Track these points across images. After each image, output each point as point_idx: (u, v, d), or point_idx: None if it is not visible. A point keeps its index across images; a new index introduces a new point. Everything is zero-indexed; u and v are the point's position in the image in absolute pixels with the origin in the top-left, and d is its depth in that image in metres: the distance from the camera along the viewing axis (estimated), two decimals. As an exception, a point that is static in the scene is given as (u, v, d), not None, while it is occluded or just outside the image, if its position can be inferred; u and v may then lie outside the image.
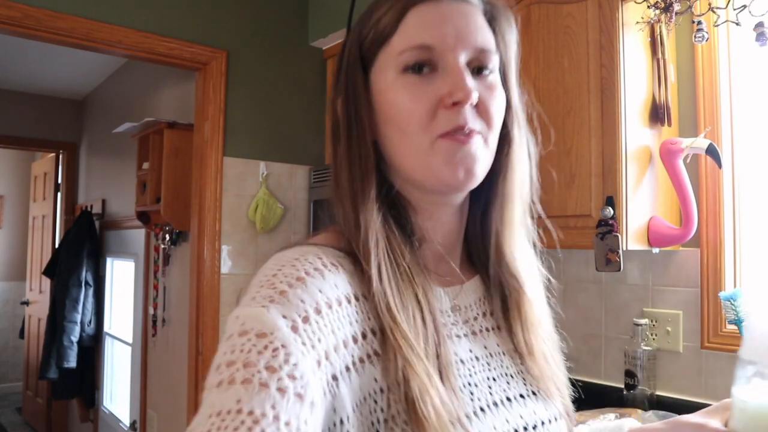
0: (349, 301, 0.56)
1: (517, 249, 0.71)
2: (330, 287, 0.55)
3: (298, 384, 0.48)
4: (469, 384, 0.61)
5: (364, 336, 0.55)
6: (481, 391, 0.62)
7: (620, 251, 1.56)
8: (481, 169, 0.62)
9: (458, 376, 0.60)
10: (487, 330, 0.69)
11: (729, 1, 1.47)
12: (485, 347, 0.67)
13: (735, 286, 1.70)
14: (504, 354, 0.68)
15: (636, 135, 1.63)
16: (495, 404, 0.62)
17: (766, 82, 1.68)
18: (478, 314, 0.69)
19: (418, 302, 0.59)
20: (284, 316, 0.50)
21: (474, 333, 0.67)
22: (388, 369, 0.54)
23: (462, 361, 0.63)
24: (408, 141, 0.62)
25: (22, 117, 4.81)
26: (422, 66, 0.61)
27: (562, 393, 0.70)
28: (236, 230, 2.67)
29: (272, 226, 2.73)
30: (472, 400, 0.60)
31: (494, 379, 0.64)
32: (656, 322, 1.80)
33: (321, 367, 0.50)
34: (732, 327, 1.62)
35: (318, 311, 0.52)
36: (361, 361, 0.54)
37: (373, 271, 0.57)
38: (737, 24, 1.46)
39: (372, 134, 0.64)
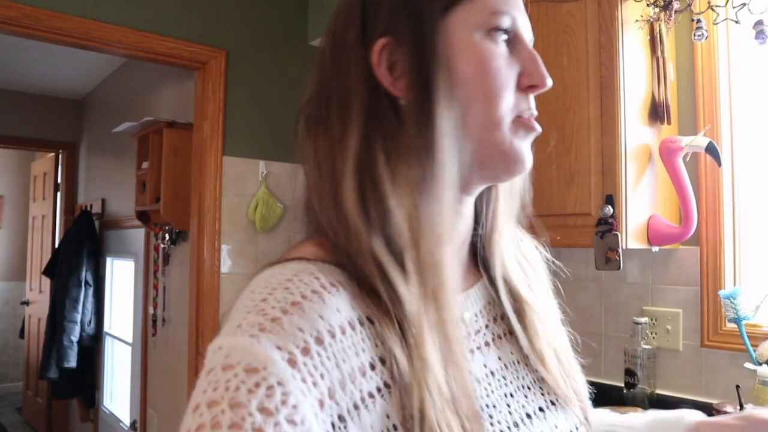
0: (353, 328, 0.48)
1: (520, 248, 0.69)
2: (332, 312, 0.47)
3: (299, 430, 0.40)
4: (487, 406, 0.56)
5: (372, 367, 0.48)
6: (500, 412, 0.57)
7: (620, 250, 1.56)
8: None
9: (476, 398, 0.54)
10: (499, 337, 0.63)
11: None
12: (499, 358, 0.61)
13: (735, 284, 1.70)
14: (519, 363, 0.63)
15: (635, 133, 1.63)
16: (515, 424, 0.57)
17: (765, 81, 1.68)
18: (488, 321, 0.63)
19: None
20: (279, 348, 0.43)
21: (487, 343, 0.61)
22: (403, 403, 0.47)
23: (478, 380, 0.57)
24: (491, 111, 0.54)
25: (21, 117, 4.81)
26: (504, 34, 0.56)
27: (579, 396, 0.65)
28: (236, 230, 2.67)
29: (272, 225, 2.73)
30: (492, 424, 0.55)
31: (512, 395, 0.59)
32: (656, 320, 1.80)
33: (325, 408, 0.43)
34: (732, 325, 1.62)
35: (320, 341, 0.45)
36: (371, 396, 0.46)
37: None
38: (737, 22, 1.46)
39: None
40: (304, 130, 0.59)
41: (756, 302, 1.65)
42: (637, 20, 1.61)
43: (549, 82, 0.56)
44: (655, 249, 1.70)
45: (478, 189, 0.60)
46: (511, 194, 0.65)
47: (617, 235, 1.56)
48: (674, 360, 1.76)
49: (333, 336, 0.46)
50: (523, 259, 0.69)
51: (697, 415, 0.73)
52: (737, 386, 1.53)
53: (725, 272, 1.70)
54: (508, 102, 0.55)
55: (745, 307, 1.59)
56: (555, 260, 0.75)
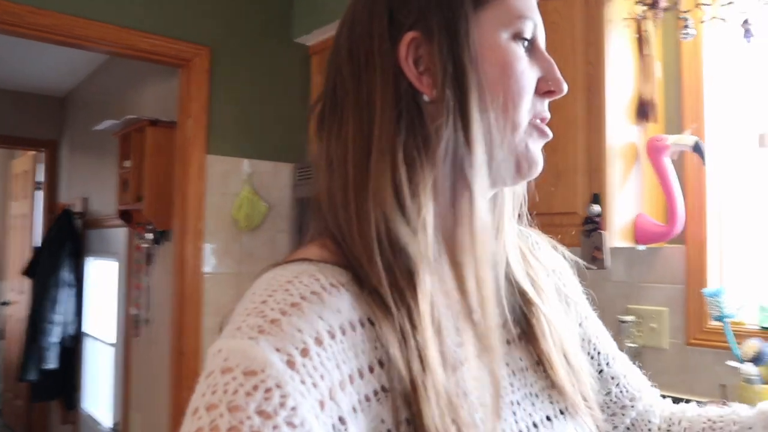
0: (354, 329, 0.47)
1: (532, 249, 0.68)
2: (332, 313, 0.46)
3: None
4: None
5: (371, 369, 0.47)
6: (505, 420, 0.56)
7: (605, 248, 1.56)
8: None
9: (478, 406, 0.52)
10: (508, 342, 0.61)
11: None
12: (507, 364, 0.60)
13: (719, 282, 1.71)
14: (527, 369, 0.61)
15: (622, 132, 1.63)
16: None
17: (752, 79, 1.68)
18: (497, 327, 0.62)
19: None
20: (278, 350, 0.43)
21: None
22: (398, 408, 0.46)
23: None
24: (512, 113, 0.55)
25: (1, 114, 4.73)
26: (525, 41, 0.57)
27: (589, 402, 0.64)
28: (220, 229, 2.64)
29: (256, 224, 2.71)
30: None
31: (518, 403, 0.58)
32: (641, 318, 1.80)
33: (325, 410, 0.43)
34: (716, 323, 1.63)
35: (319, 342, 0.44)
36: (367, 399, 0.46)
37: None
38: (723, 20, 1.46)
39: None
40: (315, 128, 0.58)
41: (740, 300, 1.66)
42: (624, 18, 1.61)
43: (565, 89, 0.57)
44: (641, 247, 1.70)
45: (492, 192, 0.59)
46: (515, 194, 0.65)
47: (603, 233, 1.55)
48: (659, 358, 1.77)
49: (333, 337, 0.45)
50: (534, 260, 0.68)
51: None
52: (722, 385, 1.53)
53: (710, 271, 1.70)
54: (528, 105, 0.56)
55: (729, 306, 1.59)
56: (576, 259, 0.74)
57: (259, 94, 2.78)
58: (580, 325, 0.73)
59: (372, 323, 0.48)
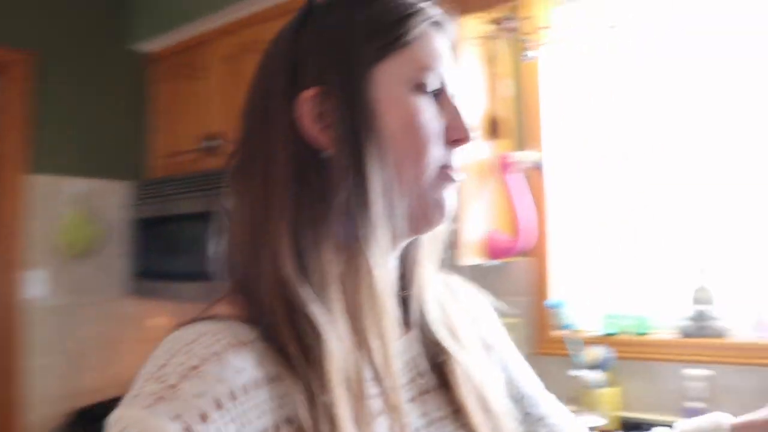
0: (259, 387, 0.46)
1: (455, 296, 0.68)
2: (234, 373, 0.45)
3: None
4: None
5: (277, 428, 0.46)
6: None
7: (454, 264, 1.57)
8: None
9: None
10: (426, 392, 0.61)
11: (556, 22, 1.56)
12: (425, 414, 0.59)
13: (565, 293, 1.79)
14: (445, 418, 0.60)
15: (475, 149, 1.66)
16: None
17: (591, 99, 1.81)
18: (415, 375, 0.61)
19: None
20: (176, 417, 0.42)
21: (412, 399, 0.59)
22: None
23: None
24: (415, 165, 0.54)
25: None
26: (429, 91, 0.56)
27: None
28: (48, 255, 2.33)
29: (86, 249, 2.43)
30: None
31: None
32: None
33: None
34: (559, 332, 1.71)
35: (220, 406, 0.44)
36: None
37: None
38: (563, 43, 1.54)
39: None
40: (230, 183, 0.57)
41: (584, 309, 1.76)
42: (475, 37, 1.65)
43: (472, 136, 0.57)
44: (492, 262, 1.74)
45: (403, 242, 0.59)
46: (433, 242, 0.64)
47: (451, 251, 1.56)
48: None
49: (235, 399, 0.45)
50: (455, 308, 0.67)
51: (727, 417, 0.73)
52: (569, 391, 1.59)
53: (553, 282, 1.79)
54: (434, 156, 0.55)
55: (569, 316, 1.68)
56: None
57: (90, 106, 2.51)
58: (503, 369, 0.72)
59: (281, 379, 0.47)
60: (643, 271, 1.71)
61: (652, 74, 1.70)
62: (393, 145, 0.53)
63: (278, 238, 0.50)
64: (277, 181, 0.52)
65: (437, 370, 0.62)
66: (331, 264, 0.51)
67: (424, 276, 0.63)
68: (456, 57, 0.60)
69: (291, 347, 0.48)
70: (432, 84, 0.56)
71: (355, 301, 0.51)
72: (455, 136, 0.57)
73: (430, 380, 0.61)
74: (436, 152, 0.55)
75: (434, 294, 0.64)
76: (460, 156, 0.58)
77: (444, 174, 0.57)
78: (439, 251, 0.65)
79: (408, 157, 0.54)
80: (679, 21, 1.65)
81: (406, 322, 0.61)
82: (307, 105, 0.53)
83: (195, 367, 0.45)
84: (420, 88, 0.55)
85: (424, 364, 0.61)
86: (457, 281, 0.74)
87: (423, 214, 0.56)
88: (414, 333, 0.62)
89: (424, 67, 0.55)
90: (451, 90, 0.58)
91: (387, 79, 0.54)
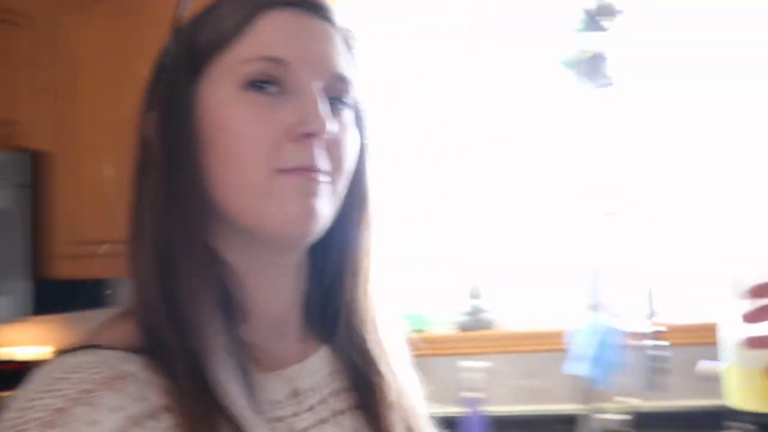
0: (138, 424, 0.42)
1: (371, 321, 0.60)
2: (105, 414, 0.41)
3: None
4: None
5: None
6: None
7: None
8: (325, 219, 0.51)
9: None
10: (342, 413, 0.57)
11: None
12: None
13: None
14: None
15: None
16: None
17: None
18: (328, 395, 0.57)
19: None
20: None
21: (324, 420, 0.55)
22: None
23: None
24: (241, 175, 0.49)
25: None
26: (269, 84, 0.49)
27: None
28: None
29: None
30: None
31: None
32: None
33: None
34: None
35: None
36: None
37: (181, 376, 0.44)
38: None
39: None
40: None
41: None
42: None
43: (330, 129, 0.49)
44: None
45: (272, 258, 0.54)
46: (359, 261, 0.58)
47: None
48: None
49: None
50: (380, 323, 0.61)
51: None
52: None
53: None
54: (260, 161, 0.49)
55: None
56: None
57: None
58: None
59: (168, 412, 0.44)
60: (420, 269, 1.75)
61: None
62: (221, 154, 0.50)
63: (152, 258, 0.49)
64: (143, 199, 0.52)
65: (360, 390, 0.58)
66: (200, 291, 0.48)
67: (346, 282, 0.58)
68: (320, 32, 0.52)
69: (178, 377, 0.45)
70: (267, 74, 0.49)
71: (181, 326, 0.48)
72: (305, 129, 0.49)
73: (347, 400, 0.58)
74: (262, 158, 0.49)
75: (367, 309, 0.59)
76: (314, 152, 0.49)
77: (296, 173, 0.49)
78: (364, 274, 0.58)
79: (234, 164, 0.49)
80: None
81: (331, 331, 0.59)
82: (147, 126, 0.52)
83: (62, 410, 0.41)
84: (252, 84, 0.49)
85: (341, 383, 0.58)
86: (388, 300, 0.66)
87: (273, 219, 0.50)
88: (331, 347, 0.59)
89: (249, 58, 0.49)
90: (308, 75, 0.50)
91: (212, 84, 0.50)
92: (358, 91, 0.55)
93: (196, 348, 0.46)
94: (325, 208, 0.51)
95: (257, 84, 0.49)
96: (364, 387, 0.58)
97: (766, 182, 1.64)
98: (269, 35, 0.50)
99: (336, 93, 0.52)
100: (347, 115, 0.53)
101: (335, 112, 0.52)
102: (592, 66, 1.49)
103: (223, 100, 0.50)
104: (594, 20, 1.48)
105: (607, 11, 1.48)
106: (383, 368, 0.59)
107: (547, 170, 1.71)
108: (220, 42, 0.50)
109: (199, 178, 0.50)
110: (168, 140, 0.50)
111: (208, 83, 0.50)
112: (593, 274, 1.56)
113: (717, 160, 1.68)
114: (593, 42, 1.50)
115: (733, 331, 0.85)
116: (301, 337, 0.58)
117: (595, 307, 1.54)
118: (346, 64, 0.53)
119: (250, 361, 0.50)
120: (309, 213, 0.49)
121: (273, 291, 0.55)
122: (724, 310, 0.90)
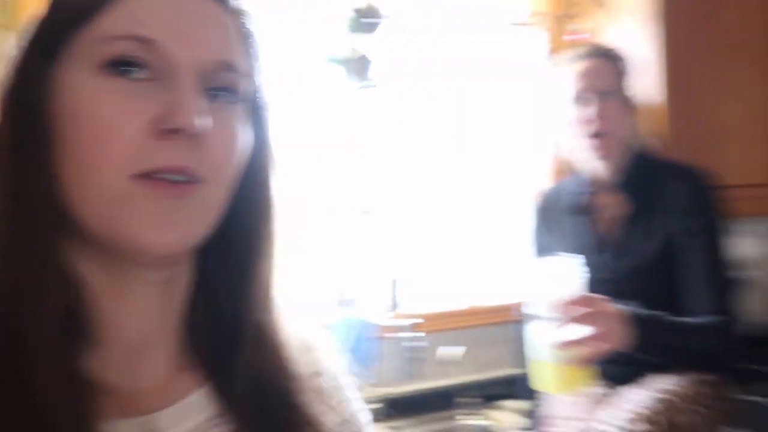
0: None
1: (278, 341, 0.50)
2: None
3: None
4: None
5: None
6: None
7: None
8: (195, 231, 0.43)
9: None
10: None
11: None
12: None
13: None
14: None
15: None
16: None
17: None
18: None
19: None
20: None
21: None
22: None
23: None
24: (94, 177, 0.40)
25: None
26: (134, 67, 0.41)
27: None
28: None
29: None
30: None
31: None
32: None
33: None
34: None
35: None
36: None
37: None
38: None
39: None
40: None
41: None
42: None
43: (200, 125, 0.40)
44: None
45: (132, 275, 0.45)
46: (259, 275, 0.48)
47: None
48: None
49: None
50: (302, 361, 0.52)
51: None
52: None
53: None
54: (117, 160, 0.40)
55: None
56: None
57: None
58: (342, 423, 0.54)
59: None
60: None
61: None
62: (73, 149, 0.41)
63: None
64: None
65: (261, 427, 0.47)
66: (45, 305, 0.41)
67: (248, 301, 0.48)
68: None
69: None
70: (133, 55, 0.41)
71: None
72: (170, 124, 0.40)
73: None
74: (120, 156, 0.40)
75: (272, 326, 0.49)
76: (181, 152, 0.41)
77: (157, 181, 0.41)
78: (266, 291, 0.49)
79: (87, 163, 0.41)
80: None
81: (218, 361, 0.48)
82: None
83: None
84: (112, 65, 0.41)
85: (230, 427, 0.46)
86: (311, 329, 0.57)
87: (129, 232, 0.41)
88: (222, 379, 0.47)
89: (110, 35, 0.41)
90: (181, 58, 0.41)
91: (68, 65, 0.42)
92: (253, 83, 0.47)
93: (22, 381, 0.38)
94: (194, 218, 0.42)
95: (120, 67, 0.41)
96: (264, 426, 0.47)
97: (516, 184, 1.78)
98: (137, 10, 0.41)
99: (221, 83, 0.43)
100: (235, 109, 0.45)
101: (220, 104, 0.43)
102: (357, 66, 1.48)
103: (77, 86, 0.41)
104: (361, 22, 1.48)
105: (372, 14, 1.48)
106: (295, 400, 0.48)
107: (309, 166, 1.59)
108: (79, 17, 0.41)
109: (48, 179, 0.41)
110: (14, 133, 0.42)
111: (64, 66, 0.42)
112: (345, 271, 1.49)
113: (471, 161, 1.76)
114: (360, 43, 1.49)
115: (542, 335, 0.98)
116: (174, 369, 0.48)
117: (347, 303, 1.45)
118: (235, 50, 0.45)
119: (97, 402, 0.40)
120: (171, 225, 0.41)
121: (132, 312, 0.45)
122: (533, 318, 0.99)
